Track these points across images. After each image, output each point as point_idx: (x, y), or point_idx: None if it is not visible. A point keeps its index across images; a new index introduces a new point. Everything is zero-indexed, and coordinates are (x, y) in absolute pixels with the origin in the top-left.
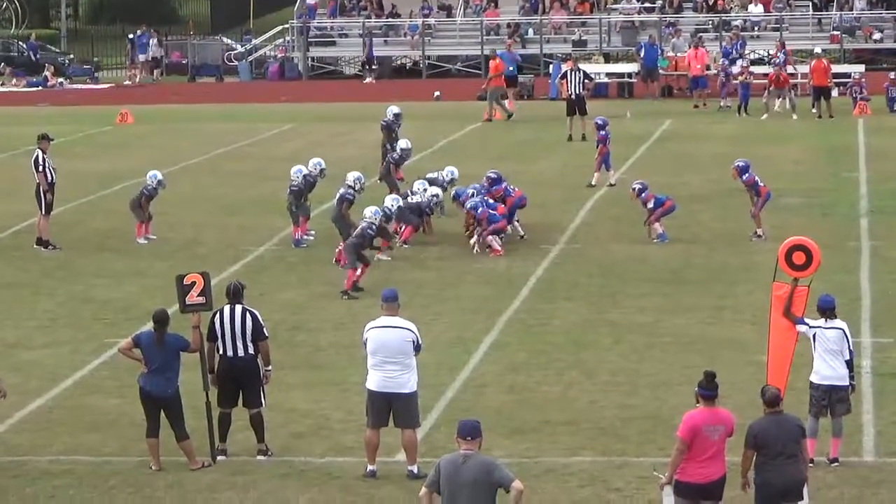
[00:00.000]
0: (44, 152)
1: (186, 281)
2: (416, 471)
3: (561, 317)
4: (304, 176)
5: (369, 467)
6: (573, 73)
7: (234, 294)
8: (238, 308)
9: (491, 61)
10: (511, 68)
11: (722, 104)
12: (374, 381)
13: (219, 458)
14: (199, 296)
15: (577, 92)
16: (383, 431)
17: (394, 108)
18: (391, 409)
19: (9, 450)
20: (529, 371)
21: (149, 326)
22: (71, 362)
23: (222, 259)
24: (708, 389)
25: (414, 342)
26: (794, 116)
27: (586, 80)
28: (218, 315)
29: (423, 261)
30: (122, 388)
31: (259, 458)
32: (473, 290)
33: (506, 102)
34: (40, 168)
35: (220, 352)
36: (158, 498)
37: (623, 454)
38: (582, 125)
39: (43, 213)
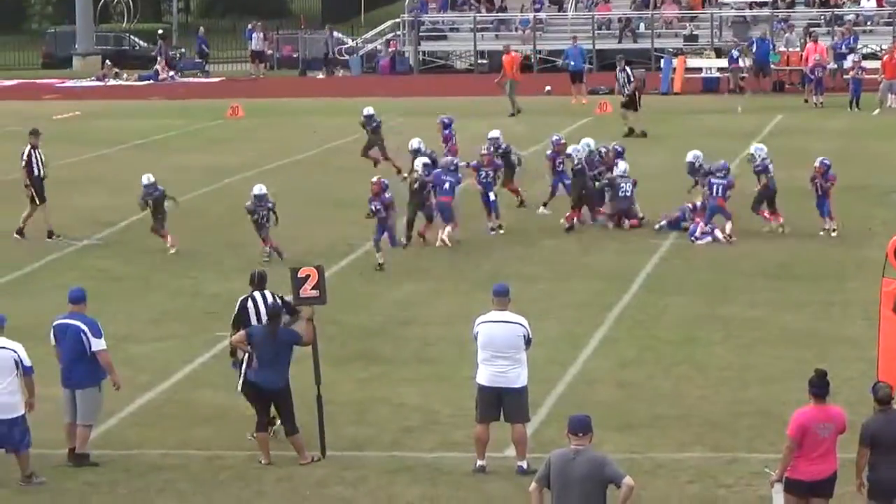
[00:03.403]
0: (34, 148)
1: (300, 274)
2: (525, 466)
3: (671, 312)
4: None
5: (479, 462)
6: (622, 72)
7: (260, 281)
8: (267, 293)
9: (504, 56)
10: (572, 63)
11: (816, 100)
12: (484, 376)
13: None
14: (312, 289)
15: (628, 91)
16: (493, 427)
17: (368, 109)
18: (501, 403)
19: (119, 443)
20: (640, 366)
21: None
22: (181, 356)
23: (333, 254)
24: (818, 387)
25: (525, 337)
26: None
27: (632, 79)
28: (249, 301)
29: (533, 255)
30: (230, 382)
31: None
32: (584, 285)
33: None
34: (23, 164)
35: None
36: (268, 493)
37: (733, 450)
38: (635, 119)
39: (38, 203)
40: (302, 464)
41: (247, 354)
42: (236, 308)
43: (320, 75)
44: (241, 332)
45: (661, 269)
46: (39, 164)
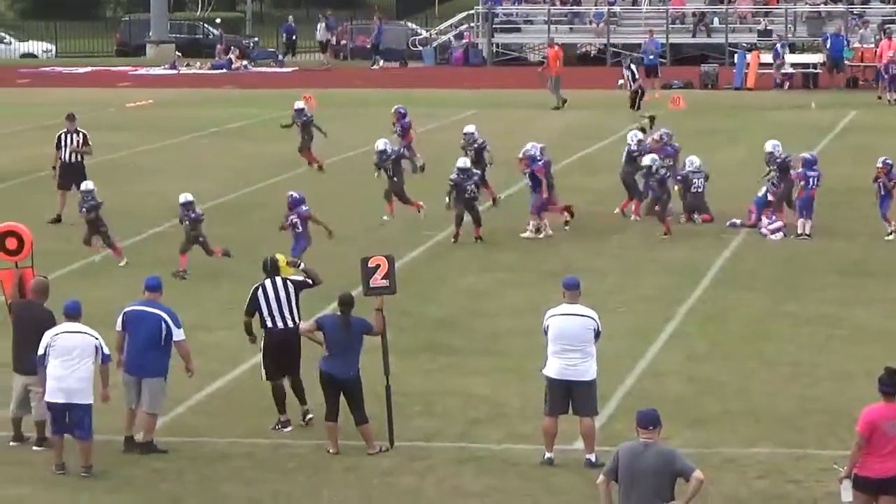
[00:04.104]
0: (67, 133)
1: (371, 264)
2: (594, 459)
3: (741, 307)
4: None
5: (547, 455)
6: (627, 69)
7: (272, 267)
8: (278, 280)
9: (549, 49)
10: (651, 57)
11: (890, 98)
12: (553, 369)
13: (286, 429)
14: (382, 279)
15: (638, 85)
16: (562, 419)
17: (299, 103)
18: (570, 396)
19: (188, 431)
20: (709, 361)
21: (332, 308)
22: (250, 345)
23: (404, 243)
24: (888, 385)
25: (595, 330)
26: None
27: (637, 76)
28: (260, 290)
29: (604, 249)
30: (303, 371)
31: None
32: (654, 279)
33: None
34: (59, 146)
35: (269, 325)
36: (335, 481)
37: (802, 446)
38: (638, 116)
39: (57, 187)
40: (370, 453)
41: (264, 341)
42: (249, 296)
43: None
44: (311, 321)
45: (732, 265)
46: (67, 148)
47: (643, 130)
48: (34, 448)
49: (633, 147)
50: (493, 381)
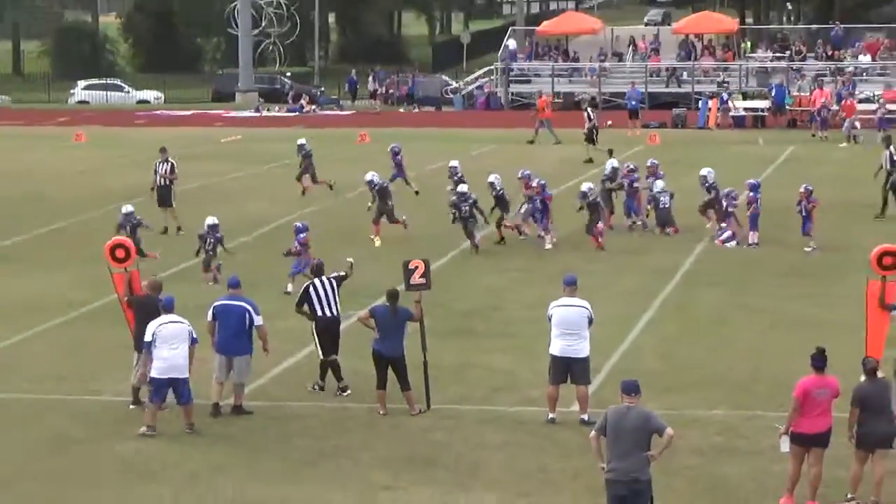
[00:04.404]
0: (160, 162)
1: (411, 265)
2: (587, 418)
3: (704, 300)
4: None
5: (550, 415)
6: (585, 112)
7: (318, 270)
8: (325, 279)
9: (539, 98)
10: (633, 102)
11: (821, 135)
12: (556, 348)
13: (345, 393)
14: (420, 277)
15: (592, 124)
16: (562, 387)
17: (301, 140)
18: (569, 370)
19: (269, 397)
20: (678, 342)
21: (381, 301)
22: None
23: (438, 249)
24: (818, 361)
25: (589, 317)
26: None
27: (593, 118)
28: (311, 287)
29: (595, 255)
30: (356, 350)
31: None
32: (634, 278)
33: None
34: (155, 172)
35: (319, 314)
36: (385, 436)
37: (751, 408)
38: (592, 150)
39: (158, 205)
40: (412, 414)
41: (316, 326)
42: (301, 292)
43: (413, 110)
44: (366, 311)
45: (696, 267)
46: (158, 174)
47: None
48: (130, 406)
49: (607, 173)
50: (508, 358)
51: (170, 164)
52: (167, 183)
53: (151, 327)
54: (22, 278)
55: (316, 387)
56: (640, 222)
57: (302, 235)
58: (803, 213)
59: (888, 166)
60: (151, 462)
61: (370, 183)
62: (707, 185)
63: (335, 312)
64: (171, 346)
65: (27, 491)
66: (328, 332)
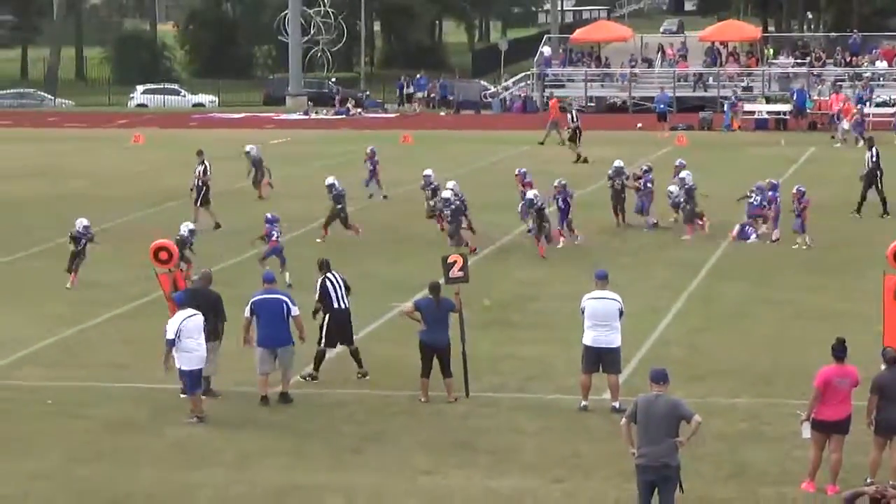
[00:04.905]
0: (200, 163)
1: (450, 260)
2: (618, 406)
3: (728, 293)
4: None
5: (583, 403)
6: (569, 114)
7: (326, 266)
8: (335, 274)
9: (550, 101)
10: (662, 106)
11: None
12: (589, 339)
13: (314, 380)
14: (459, 271)
15: (576, 126)
16: (594, 376)
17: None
18: (601, 359)
19: (314, 385)
20: (705, 333)
21: (423, 294)
22: (364, 319)
23: (477, 244)
24: (838, 351)
25: (620, 309)
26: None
27: (577, 120)
28: (328, 280)
29: (626, 250)
30: (399, 339)
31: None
32: (662, 272)
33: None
34: (195, 174)
35: (334, 307)
36: (426, 422)
37: (774, 397)
38: (574, 148)
39: (195, 205)
40: (450, 401)
41: (328, 318)
42: (318, 287)
43: (446, 113)
44: (410, 304)
45: (722, 261)
46: (196, 176)
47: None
48: (202, 397)
49: (610, 173)
50: (543, 348)
51: (204, 165)
52: (202, 184)
53: (175, 322)
54: (85, 272)
55: (308, 377)
56: (653, 220)
57: (267, 226)
58: (796, 213)
59: (870, 165)
60: (204, 447)
61: (331, 187)
62: (685, 188)
63: (347, 305)
64: (196, 339)
65: (90, 471)
66: (341, 324)
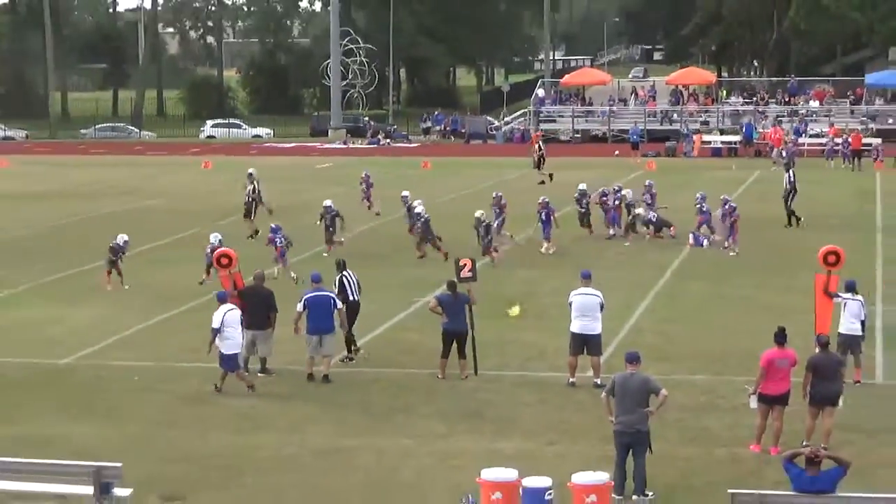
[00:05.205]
0: (250, 183)
1: (461, 262)
2: (599, 382)
3: (691, 290)
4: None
5: (571, 379)
6: (536, 143)
7: (343, 265)
8: (349, 272)
9: (533, 134)
10: (635, 137)
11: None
12: (575, 327)
13: (352, 361)
14: (468, 271)
15: (541, 153)
16: (579, 358)
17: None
18: (585, 344)
19: (351, 365)
20: (670, 323)
21: (442, 290)
22: (390, 312)
23: (479, 251)
24: (780, 336)
25: (601, 303)
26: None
27: (542, 149)
28: (344, 277)
29: (607, 254)
30: (422, 328)
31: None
32: (636, 272)
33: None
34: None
35: (350, 299)
36: (442, 395)
37: (727, 374)
38: (538, 174)
39: (245, 217)
40: (462, 378)
41: (347, 308)
42: (336, 283)
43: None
44: (434, 300)
45: (683, 264)
46: (247, 192)
47: (545, 181)
48: (259, 374)
49: (576, 195)
50: (539, 334)
51: (253, 185)
52: (251, 200)
53: (219, 314)
54: (164, 273)
55: (346, 359)
56: (615, 232)
57: (271, 235)
58: (728, 224)
59: (787, 186)
60: (261, 415)
61: (329, 208)
62: (622, 200)
63: (358, 298)
64: (235, 328)
65: (170, 435)
66: (353, 312)
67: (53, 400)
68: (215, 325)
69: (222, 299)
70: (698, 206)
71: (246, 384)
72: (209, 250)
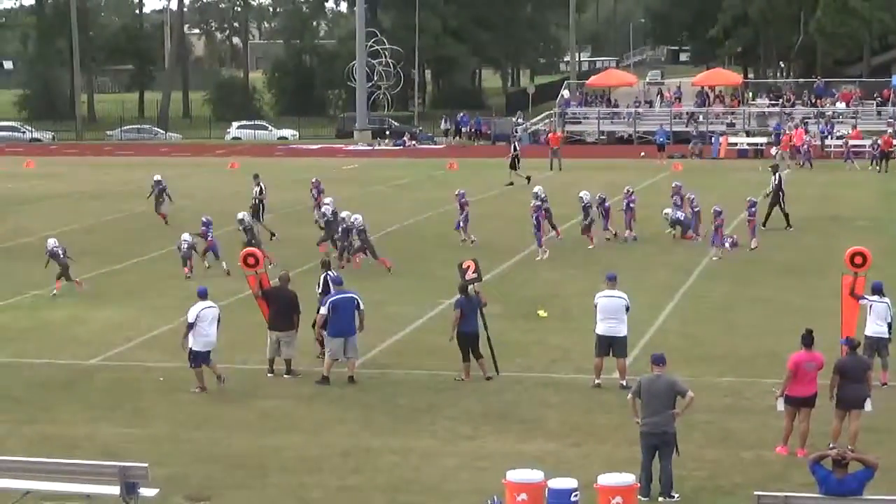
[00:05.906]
0: (256, 185)
1: (464, 265)
2: (625, 384)
3: (716, 291)
4: None
5: (596, 381)
6: (511, 144)
7: (328, 265)
8: (333, 272)
9: (550, 135)
10: (661, 139)
11: (802, 163)
12: (601, 329)
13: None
14: (472, 273)
15: (515, 154)
16: (605, 359)
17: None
18: (611, 346)
19: (377, 366)
20: (696, 324)
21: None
22: (415, 314)
23: (504, 254)
24: (807, 339)
25: (626, 305)
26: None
27: (518, 149)
28: (329, 277)
29: (631, 256)
30: (446, 330)
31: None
32: (662, 274)
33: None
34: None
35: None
36: (467, 396)
37: (753, 376)
38: (514, 175)
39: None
40: (486, 378)
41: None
42: (321, 281)
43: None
44: (457, 311)
45: (710, 265)
46: (254, 194)
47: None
48: (284, 376)
49: (543, 197)
50: (564, 336)
51: (259, 187)
52: (258, 201)
53: (195, 309)
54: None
55: (322, 356)
56: (619, 234)
57: (203, 228)
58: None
59: (772, 188)
60: (286, 416)
61: (241, 221)
62: (583, 205)
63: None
64: (210, 325)
65: (195, 435)
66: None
67: (80, 401)
68: (190, 319)
69: (202, 294)
70: (714, 210)
71: (215, 373)
72: (185, 247)
